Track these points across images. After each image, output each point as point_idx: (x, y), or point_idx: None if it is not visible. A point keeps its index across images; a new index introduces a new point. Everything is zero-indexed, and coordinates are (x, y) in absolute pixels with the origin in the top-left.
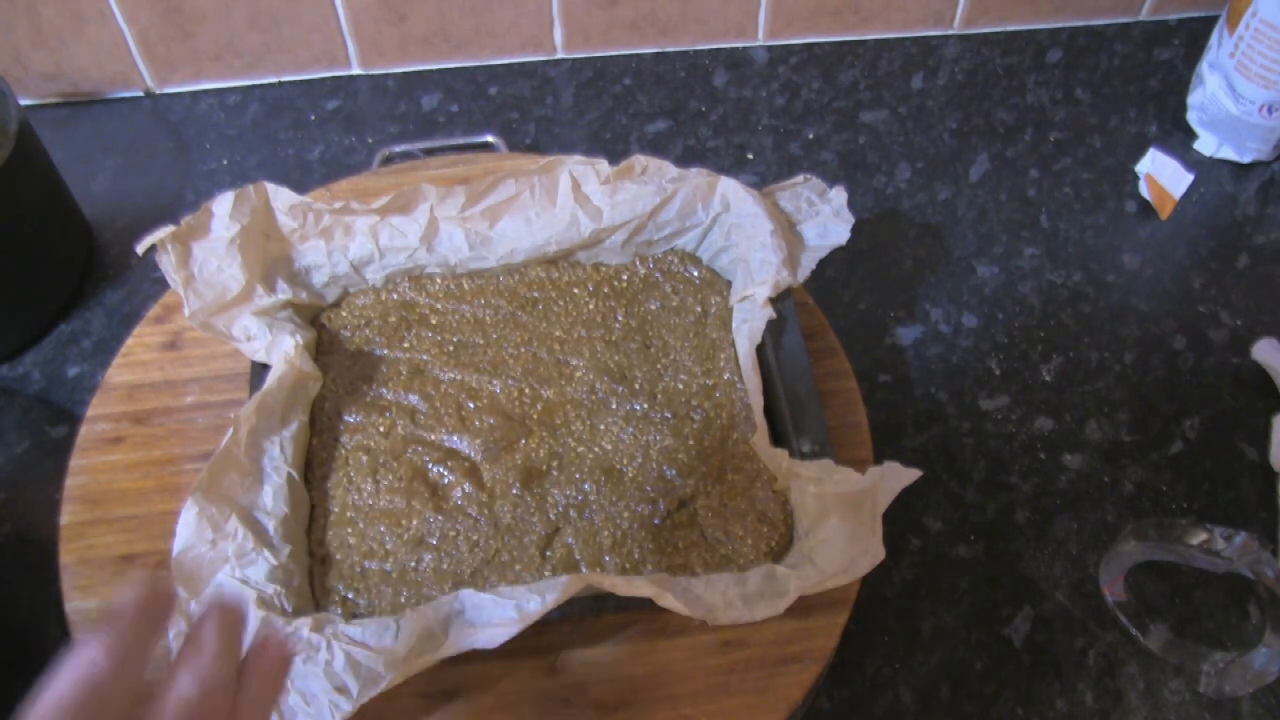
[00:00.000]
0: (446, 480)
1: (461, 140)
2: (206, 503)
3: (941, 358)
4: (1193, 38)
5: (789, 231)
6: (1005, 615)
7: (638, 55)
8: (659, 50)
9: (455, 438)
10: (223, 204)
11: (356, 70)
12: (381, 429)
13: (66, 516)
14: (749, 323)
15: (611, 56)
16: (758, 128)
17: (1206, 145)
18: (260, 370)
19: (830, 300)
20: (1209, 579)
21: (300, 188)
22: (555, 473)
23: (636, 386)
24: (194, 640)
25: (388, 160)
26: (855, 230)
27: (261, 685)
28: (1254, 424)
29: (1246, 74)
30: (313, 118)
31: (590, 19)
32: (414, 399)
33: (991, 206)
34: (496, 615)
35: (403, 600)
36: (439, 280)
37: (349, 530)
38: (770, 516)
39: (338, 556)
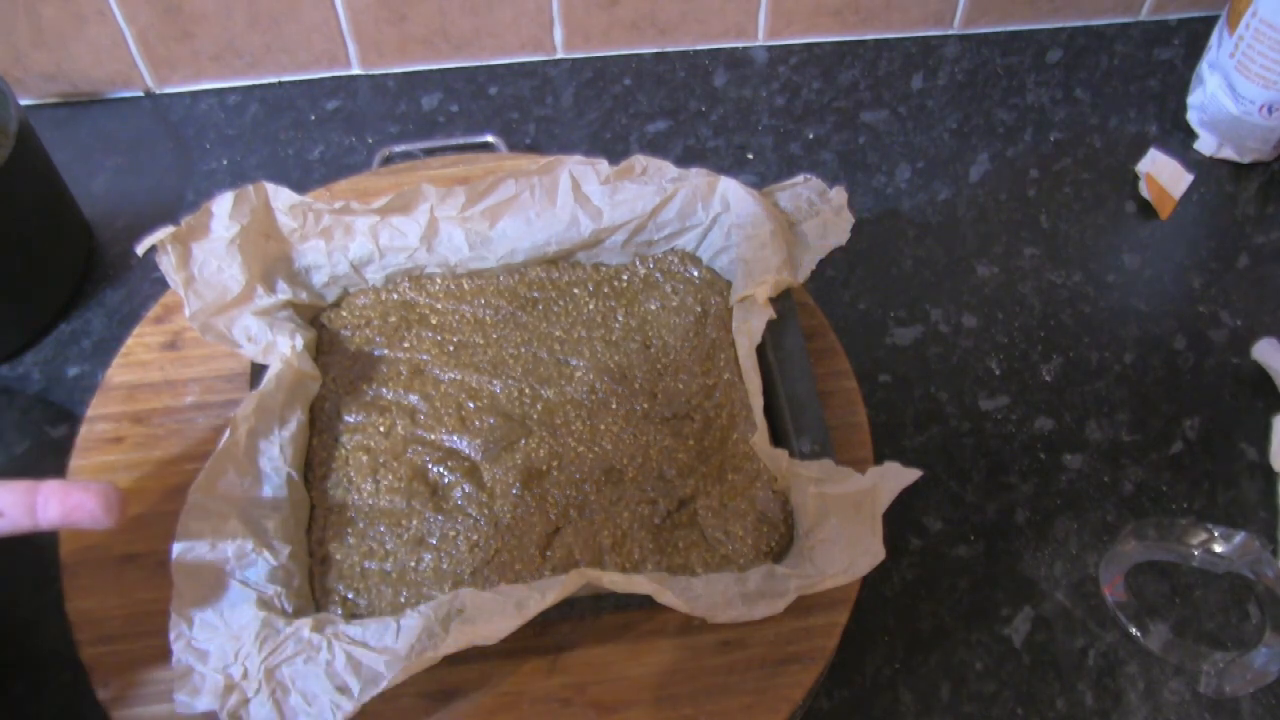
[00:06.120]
0: (446, 480)
1: (461, 140)
2: (206, 504)
3: (941, 358)
4: (1193, 38)
5: (789, 231)
6: (1005, 615)
7: (638, 55)
8: (659, 50)
9: (455, 438)
10: (222, 204)
11: (356, 70)
12: (381, 429)
13: None
14: (749, 323)
15: (611, 56)
16: (758, 128)
17: (1206, 145)
18: (260, 371)
19: (830, 300)
20: (1209, 579)
21: (300, 188)
22: (555, 473)
23: (636, 386)
24: None
25: (388, 160)
26: (855, 230)
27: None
28: (1254, 424)
29: (1246, 74)
30: (313, 118)
31: (590, 19)
32: (414, 399)
33: (991, 206)
34: (496, 612)
35: (403, 600)
36: (439, 280)
37: (349, 530)
38: (770, 516)
39: (338, 556)
